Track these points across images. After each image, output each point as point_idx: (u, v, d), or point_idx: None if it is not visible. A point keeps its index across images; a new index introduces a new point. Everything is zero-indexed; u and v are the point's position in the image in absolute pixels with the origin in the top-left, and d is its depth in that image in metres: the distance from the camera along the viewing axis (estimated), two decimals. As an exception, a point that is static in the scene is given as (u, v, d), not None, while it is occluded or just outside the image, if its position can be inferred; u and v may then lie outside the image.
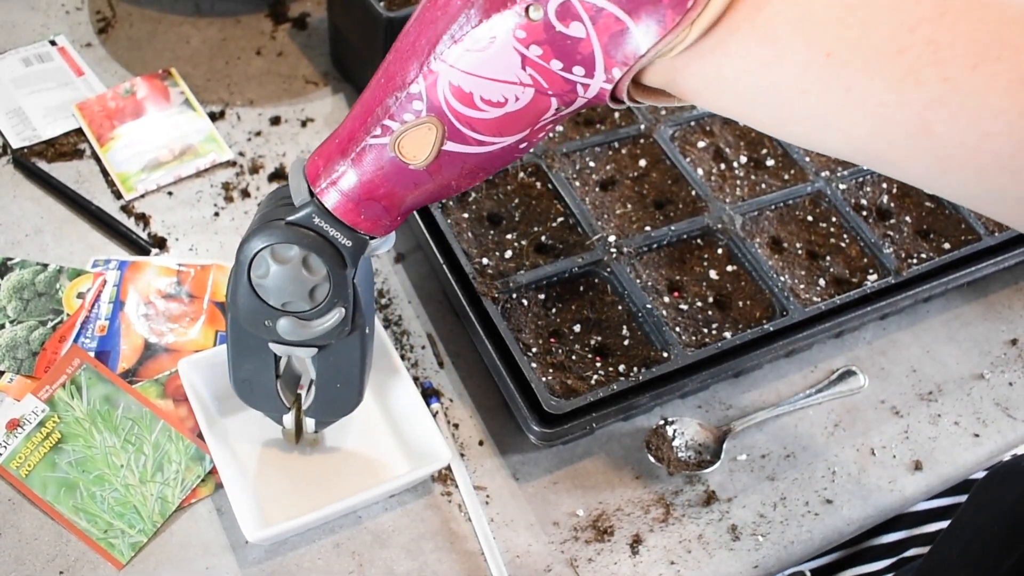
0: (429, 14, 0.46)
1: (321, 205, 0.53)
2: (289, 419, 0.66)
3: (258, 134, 0.88)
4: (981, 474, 0.86)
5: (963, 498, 0.88)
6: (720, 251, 0.80)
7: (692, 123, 0.88)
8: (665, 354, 0.72)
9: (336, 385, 0.63)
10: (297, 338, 0.58)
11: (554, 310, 0.75)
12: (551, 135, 0.85)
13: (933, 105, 0.38)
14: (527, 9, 0.43)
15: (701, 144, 0.87)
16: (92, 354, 0.72)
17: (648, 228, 0.80)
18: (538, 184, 0.81)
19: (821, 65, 0.39)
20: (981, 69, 0.36)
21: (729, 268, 0.79)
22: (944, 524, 0.87)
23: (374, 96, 0.50)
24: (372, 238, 0.54)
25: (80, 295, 0.74)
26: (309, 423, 0.66)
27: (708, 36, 0.41)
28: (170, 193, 0.83)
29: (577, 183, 0.82)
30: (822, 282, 0.79)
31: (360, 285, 0.57)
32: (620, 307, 0.75)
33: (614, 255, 0.76)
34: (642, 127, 0.86)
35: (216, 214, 0.82)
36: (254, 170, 0.85)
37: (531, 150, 0.60)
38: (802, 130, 0.43)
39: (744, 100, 0.43)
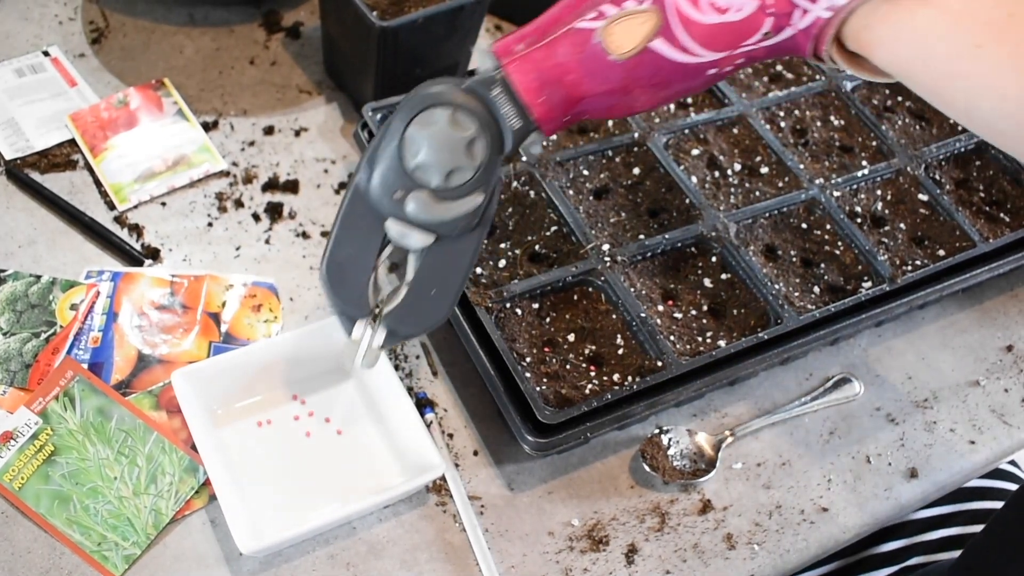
0: None
1: (505, 79, 0.54)
2: (360, 328, 0.62)
3: (251, 144, 0.88)
4: (977, 482, 0.86)
5: (964, 506, 0.88)
6: (714, 259, 0.80)
7: (686, 131, 0.88)
8: (660, 363, 0.72)
9: (432, 291, 0.60)
10: (425, 218, 0.56)
11: (548, 319, 0.75)
12: (547, 142, 0.84)
13: None
14: None
15: (695, 152, 0.87)
16: (85, 366, 0.71)
17: (642, 236, 0.79)
18: (532, 193, 0.81)
19: (1001, 24, 0.44)
20: None
21: (723, 276, 0.79)
22: (945, 532, 0.87)
23: None
24: (536, 129, 0.55)
25: (73, 307, 0.74)
26: (379, 336, 0.62)
27: None
28: (163, 204, 0.83)
29: (571, 192, 0.82)
30: (817, 289, 0.79)
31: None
32: (614, 316, 0.75)
33: (608, 264, 0.76)
34: (636, 135, 0.86)
35: (210, 224, 0.82)
36: (247, 180, 0.85)
37: (715, 84, 0.64)
38: (962, 94, 0.47)
39: (920, 54, 0.48)
